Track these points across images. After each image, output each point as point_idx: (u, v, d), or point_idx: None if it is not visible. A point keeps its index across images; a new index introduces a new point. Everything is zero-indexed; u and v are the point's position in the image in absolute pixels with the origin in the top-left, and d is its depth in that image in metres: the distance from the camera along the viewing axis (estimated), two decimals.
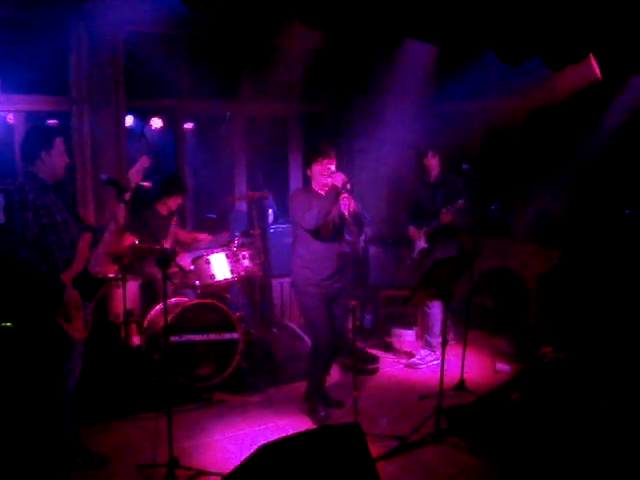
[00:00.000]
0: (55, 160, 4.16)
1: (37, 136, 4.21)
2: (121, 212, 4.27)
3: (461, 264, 5.32)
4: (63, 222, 4.13)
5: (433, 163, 6.40)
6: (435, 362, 6.41)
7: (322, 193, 5.07)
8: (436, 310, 6.38)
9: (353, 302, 4.77)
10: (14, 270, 4.03)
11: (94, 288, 4.26)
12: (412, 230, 6.55)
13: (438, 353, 6.25)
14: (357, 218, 4.98)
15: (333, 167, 5.02)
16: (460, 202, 6.00)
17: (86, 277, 4.19)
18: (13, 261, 4.02)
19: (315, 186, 5.12)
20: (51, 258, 4.06)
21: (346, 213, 4.89)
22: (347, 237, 5.54)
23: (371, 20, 4.71)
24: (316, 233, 4.98)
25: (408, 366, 6.52)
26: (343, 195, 4.83)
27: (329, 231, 5.04)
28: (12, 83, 6.08)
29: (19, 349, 4.70)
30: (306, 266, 5.07)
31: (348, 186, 4.84)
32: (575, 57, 5.54)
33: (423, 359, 6.52)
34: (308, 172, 5.17)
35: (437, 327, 6.44)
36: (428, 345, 6.57)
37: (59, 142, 4.19)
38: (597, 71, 5.98)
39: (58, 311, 4.03)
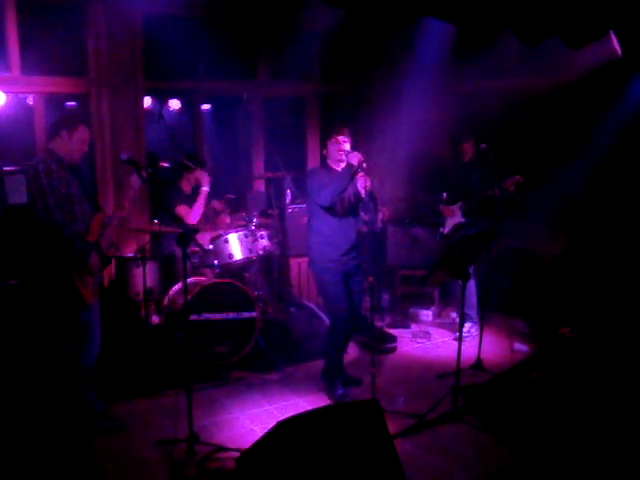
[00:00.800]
0: (74, 143, 4.35)
1: (64, 116, 4.55)
2: (135, 180, 4.55)
3: (478, 244, 5.32)
4: (78, 196, 4.32)
5: (467, 148, 6.70)
6: (475, 333, 6.55)
7: (338, 170, 5.09)
8: (471, 283, 6.46)
9: (370, 279, 4.79)
10: (46, 231, 4.23)
11: (103, 263, 4.46)
12: (444, 207, 6.78)
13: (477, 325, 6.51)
14: (373, 197, 5.01)
15: (348, 145, 5.04)
16: (517, 177, 6.19)
17: (100, 253, 4.40)
18: (45, 224, 4.21)
19: (332, 164, 5.15)
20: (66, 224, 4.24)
21: (362, 192, 4.92)
22: (364, 216, 5.56)
23: None
24: (331, 209, 5.00)
25: (455, 340, 6.54)
26: (360, 174, 4.86)
27: (345, 207, 5.07)
28: (31, 65, 6.13)
29: (38, 308, 4.95)
30: (323, 242, 5.10)
31: (364, 165, 4.86)
32: (595, 35, 5.47)
33: (469, 331, 6.62)
34: (324, 152, 5.20)
35: (473, 299, 6.64)
36: (469, 318, 6.68)
37: (83, 128, 4.40)
38: (617, 48, 5.91)
39: (80, 272, 4.24)
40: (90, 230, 4.36)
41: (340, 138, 5.03)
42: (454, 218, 6.72)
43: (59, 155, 4.31)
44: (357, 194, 5.01)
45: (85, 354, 4.42)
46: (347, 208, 5.09)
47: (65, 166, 4.31)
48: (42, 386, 4.91)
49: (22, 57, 6.08)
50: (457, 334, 6.49)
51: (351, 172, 4.87)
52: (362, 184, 4.90)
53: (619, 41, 5.90)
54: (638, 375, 5.09)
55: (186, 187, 6.33)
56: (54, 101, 6.70)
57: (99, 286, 4.51)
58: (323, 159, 5.29)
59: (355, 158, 4.88)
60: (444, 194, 6.79)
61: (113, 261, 5.65)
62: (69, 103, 7.33)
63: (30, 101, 6.66)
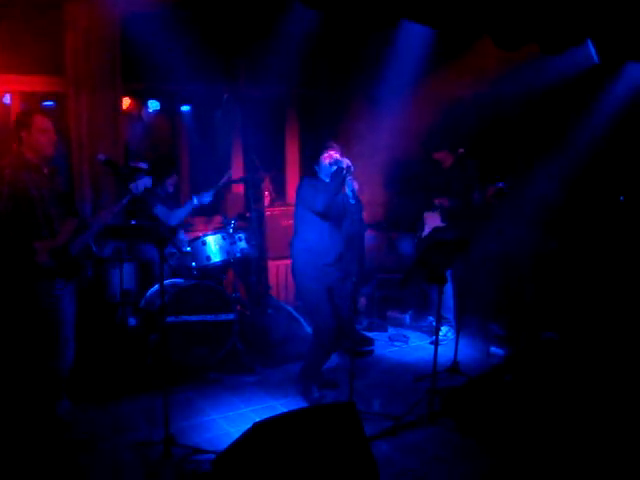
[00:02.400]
0: (35, 137, 4.27)
1: (17, 118, 4.42)
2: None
3: (455, 249, 5.36)
4: (39, 199, 4.23)
5: (442, 156, 6.73)
6: (452, 337, 6.60)
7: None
8: (448, 287, 6.51)
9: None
10: None
11: (73, 269, 4.39)
12: (428, 214, 6.82)
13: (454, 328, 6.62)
14: (358, 200, 5.15)
15: (338, 155, 5.13)
16: (500, 185, 6.25)
17: (67, 257, 4.33)
18: None
19: (324, 178, 5.20)
20: (25, 230, 4.19)
21: (350, 194, 5.02)
22: (355, 217, 5.61)
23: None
24: (325, 216, 5.03)
25: (432, 343, 6.58)
26: (347, 177, 4.96)
27: (335, 215, 5.10)
28: (7, 63, 6.04)
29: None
30: (309, 249, 5.10)
31: (352, 169, 4.94)
32: (572, 41, 5.54)
33: (445, 335, 6.68)
34: (316, 167, 5.24)
35: (450, 302, 6.69)
36: (446, 322, 6.74)
37: (37, 119, 4.29)
38: (594, 56, 5.98)
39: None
40: (58, 234, 4.30)
41: (332, 152, 5.14)
42: (433, 222, 6.74)
43: (26, 157, 4.26)
44: (346, 198, 5.08)
45: (57, 357, 4.34)
46: (337, 215, 5.13)
47: (32, 167, 4.26)
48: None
49: None
50: (433, 337, 6.57)
51: (341, 175, 4.93)
52: (350, 187, 5.00)
53: (596, 49, 5.97)
54: (613, 377, 5.16)
55: (161, 192, 6.31)
56: (31, 101, 6.62)
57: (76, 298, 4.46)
58: (306, 163, 5.38)
59: (343, 163, 4.96)
60: (436, 201, 6.78)
61: (90, 263, 5.60)
62: (46, 103, 7.26)
63: (7, 100, 6.59)
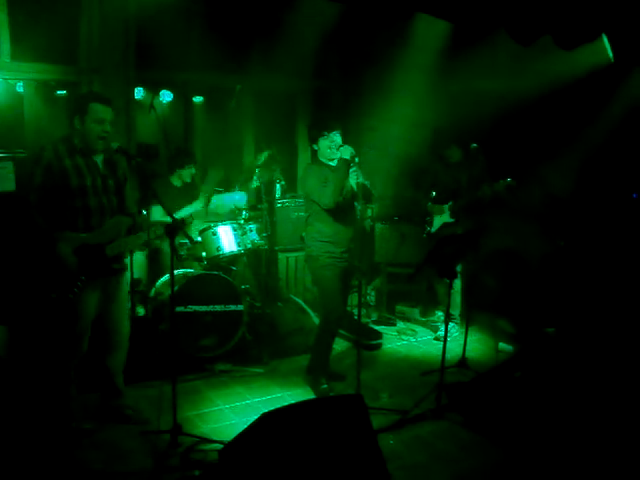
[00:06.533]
0: (87, 126, 4.06)
1: (77, 99, 4.25)
2: None
3: (466, 242, 5.34)
4: (79, 188, 4.07)
5: (454, 152, 6.73)
6: (456, 334, 6.63)
7: (331, 164, 5.09)
8: (456, 282, 6.51)
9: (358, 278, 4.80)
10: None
11: (101, 270, 4.19)
12: (432, 205, 6.79)
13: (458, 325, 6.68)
14: (365, 192, 4.96)
15: (339, 139, 5.04)
16: (510, 181, 6.16)
17: (97, 256, 4.15)
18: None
19: (321, 159, 5.14)
20: (57, 218, 4.05)
21: (355, 186, 4.90)
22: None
23: None
24: (333, 210, 4.99)
25: (436, 339, 6.66)
26: (352, 168, 4.85)
27: (344, 206, 5.03)
28: (22, 51, 6.06)
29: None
30: (324, 240, 5.08)
31: (356, 159, 4.85)
32: (587, 37, 5.50)
33: (449, 332, 6.60)
34: (315, 146, 5.17)
35: (457, 298, 6.69)
36: (452, 318, 6.70)
37: (94, 108, 4.06)
38: (609, 52, 5.94)
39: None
40: (99, 230, 4.13)
41: (332, 134, 5.03)
42: (442, 217, 6.72)
43: (71, 142, 4.09)
44: (351, 189, 4.98)
45: (66, 350, 4.25)
46: (344, 205, 5.04)
47: (80, 153, 4.09)
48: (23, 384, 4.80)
49: (12, 43, 6.00)
50: (438, 333, 6.58)
51: (346, 166, 4.86)
52: (354, 178, 4.88)
53: (611, 46, 5.93)
54: (622, 374, 5.14)
55: (176, 181, 6.34)
56: (44, 89, 6.64)
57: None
58: (314, 154, 5.27)
59: (347, 151, 4.87)
60: (434, 192, 6.79)
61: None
62: (60, 92, 7.27)
63: (20, 88, 6.62)
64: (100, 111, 4.08)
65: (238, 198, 6.52)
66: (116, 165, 4.31)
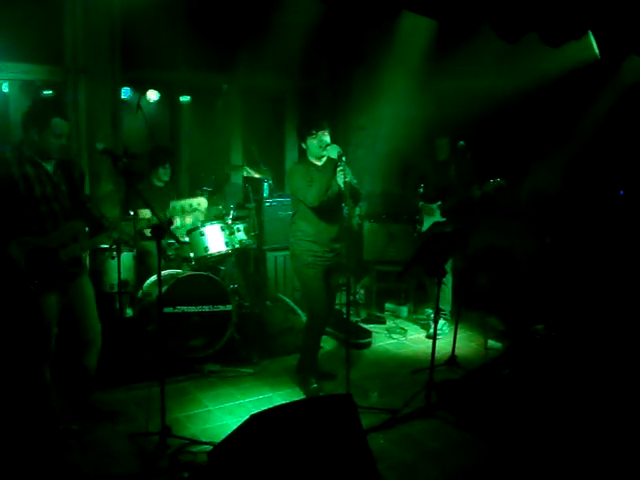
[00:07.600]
0: (46, 139, 4.01)
1: (36, 111, 4.11)
2: None
3: (455, 240, 5.34)
4: (28, 197, 4.00)
5: (442, 145, 6.64)
6: (447, 331, 6.63)
7: (318, 164, 5.07)
8: (447, 279, 6.49)
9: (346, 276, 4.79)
10: None
11: (54, 275, 4.11)
12: (424, 204, 6.75)
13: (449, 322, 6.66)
14: (353, 191, 4.93)
15: (328, 139, 5.00)
16: (499, 181, 6.16)
17: (49, 261, 4.08)
18: None
19: (310, 158, 5.13)
20: (14, 225, 3.98)
21: (342, 185, 4.85)
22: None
23: None
24: (318, 209, 4.98)
25: (428, 337, 6.61)
26: (339, 167, 4.82)
27: (329, 204, 5.01)
28: (6, 51, 6.02)
29: None
30: (307, 239, 5.07)
31: (343, 158, 4.83)
32: (573, 34, 5.52)
33: (441, 329, 6.63)
34: (303, 145, 5.16)
35: (448, 296, 6.66)
36: (442, 315, 6.70)
37: (56, 123, 4.01)
38: (595, 49, 5.96)
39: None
40: (50, 235, 4.06)
41: (320, 133, 5.00)
42: (432, 217, 6.69)
43: (21, 151, 4.02)
44: (338, 189, 4.95)
45: (36, 348, 4.17)
46: (331, 204, 5.03)
47: (28, 162, 4.02)
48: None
49: None
50: (430, 331, 6.57)
51: (333, 166, 4.85)
52: (342, 179, 4.82)
53: (597, 43, 5.95)
54: (610, 371, 5.16)
55: (157, 182, 6.27)
56: (30, 89, 6.60)
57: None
58: (303, 153, 5.25)
59: (334, 151, 4.85)
60: (421, 189, 6.77)
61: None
62: (46, 91, 7.23)
63: (5, 88, 6.57)
64: (61, 126, 4.04)
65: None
66: (70, 169, 4.26)
